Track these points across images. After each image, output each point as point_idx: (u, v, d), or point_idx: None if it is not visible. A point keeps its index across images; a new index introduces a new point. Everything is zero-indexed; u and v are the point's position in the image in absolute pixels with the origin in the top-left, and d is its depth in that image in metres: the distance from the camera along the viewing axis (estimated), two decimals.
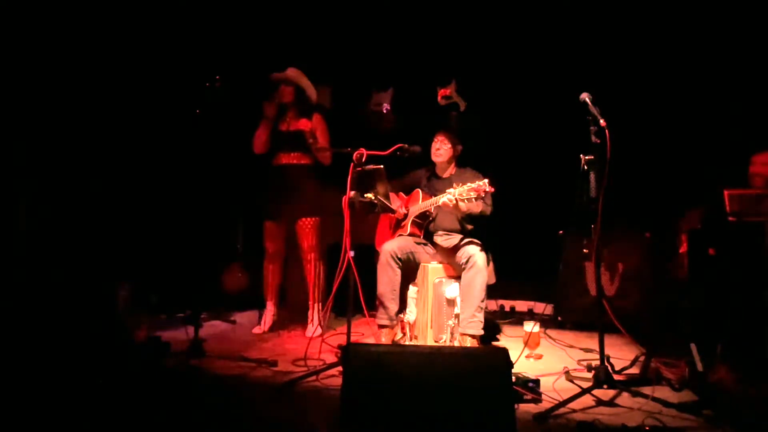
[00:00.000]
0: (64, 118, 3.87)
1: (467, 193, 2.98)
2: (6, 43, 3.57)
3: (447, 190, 3.09)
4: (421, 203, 3.46)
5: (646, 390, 2.50)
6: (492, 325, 3.89)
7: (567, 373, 2.83)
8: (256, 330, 3.77)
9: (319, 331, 3.62)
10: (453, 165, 3.57)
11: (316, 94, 3.89)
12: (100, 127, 4.11)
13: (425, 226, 3.54)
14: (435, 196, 3.34)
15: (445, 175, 3.56)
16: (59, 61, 3.84)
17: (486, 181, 2.96)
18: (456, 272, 3.36)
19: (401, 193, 3.69)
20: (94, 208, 4.07)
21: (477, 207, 3.25)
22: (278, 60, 3.98)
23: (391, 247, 3.36)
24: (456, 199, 3.03)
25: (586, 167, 2.65)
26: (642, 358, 2.90)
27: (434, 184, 3.56)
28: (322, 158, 3.72)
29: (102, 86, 4.09)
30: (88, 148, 4.04)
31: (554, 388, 2.56)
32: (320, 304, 3.79)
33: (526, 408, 2.35)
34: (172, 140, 4.34)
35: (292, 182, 3.73)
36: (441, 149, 3.50)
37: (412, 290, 3.51)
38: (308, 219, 3.74)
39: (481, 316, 3.18)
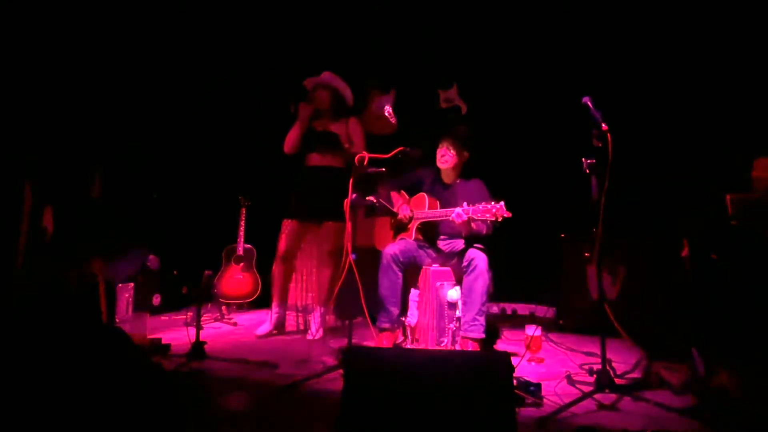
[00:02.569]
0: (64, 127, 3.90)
1: (482, 214, 2.94)
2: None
3: (459, 208, 3.04)
4: (428, 210, 3.42)
5: (648, 394, 2.49)
6: (493, 329, 3.88)
7: (568, 377, 2.82)
8: (258, 332, 3.77)
9: (321, 333, 3.62)
10: (458, 172, 3.54)
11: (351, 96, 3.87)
12: (99, 132, 4.13)
13: (427, 231, 3.53)
14: (440, 202, 3.33)
15: (450, 182, 3.54)
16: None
17: (502, 204, 2.90)
18: (458, 276, 3.36)
19: (403, 192, 3.66)
20: (94, 207, 4.08)
21: (483, 230, 3.24)
22: (281, 61, 3.99)
23: (393, 251, 3.35)
24: (469, 218, 3.02)
25: (587, 171, 2.65)
26: (644, 362, 2.89)
27: (439, 190, 3.53)
28: None
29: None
30: (87, 146, 4.06)
31: (556, 392, 2.55)
32: (323, 307, 3.79)
33: (527, 412, 2.34)
34: (173, 140, 4.35)
35: (323, 184, 3.70)
36: (446, 155, 3.47)
37: (413, 293, 3.51)
38: (334, 223, 3.69)
39: (482, 320, 3.17)
